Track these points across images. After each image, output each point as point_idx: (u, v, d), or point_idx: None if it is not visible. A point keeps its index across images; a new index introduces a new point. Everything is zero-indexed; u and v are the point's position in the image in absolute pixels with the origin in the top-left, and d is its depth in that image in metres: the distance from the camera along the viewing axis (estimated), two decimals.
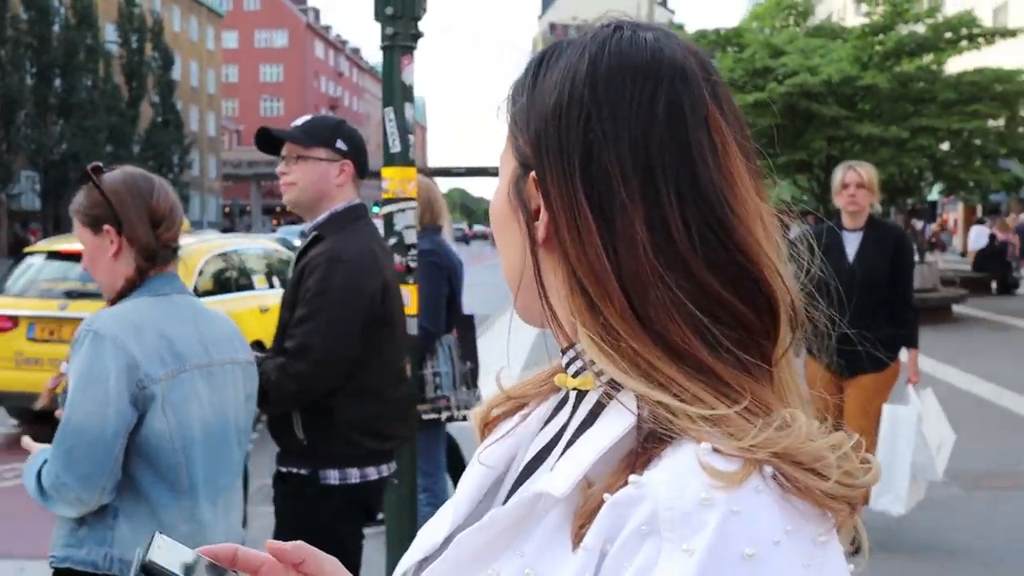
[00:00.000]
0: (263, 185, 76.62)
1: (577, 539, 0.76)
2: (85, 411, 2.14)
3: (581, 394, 0.88)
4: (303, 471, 3.06)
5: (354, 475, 3.09)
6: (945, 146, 19.79)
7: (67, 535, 2.24)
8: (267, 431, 3.18)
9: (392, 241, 3.99)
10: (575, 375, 0.88)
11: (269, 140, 3.22)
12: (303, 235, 3.30)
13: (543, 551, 0.78)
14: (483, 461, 0.95)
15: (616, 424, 0.80)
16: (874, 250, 5.05)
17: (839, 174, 5.23)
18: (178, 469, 2.23)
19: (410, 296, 4.02)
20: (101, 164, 2.38)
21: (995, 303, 19.56)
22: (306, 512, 3.09)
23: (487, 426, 1.00)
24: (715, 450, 0.74)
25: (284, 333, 3.10)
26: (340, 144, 3.17)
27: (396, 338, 3.31)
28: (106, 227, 2.30)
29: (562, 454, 0.84)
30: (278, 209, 75.95)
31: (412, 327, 4.04)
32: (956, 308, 17.12)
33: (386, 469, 3.22)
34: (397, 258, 3.96)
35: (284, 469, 3.10)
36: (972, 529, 5.61)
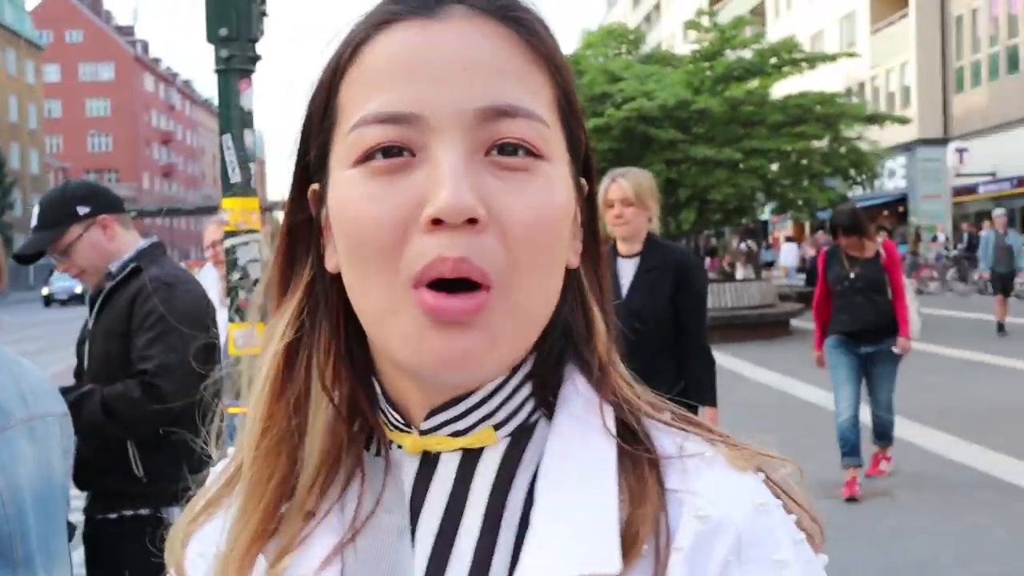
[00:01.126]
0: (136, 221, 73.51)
1: None
2: None
3: (459, 454, 0.74)
4: (143, 511, 2.96)
5: None
6: (775, 167, 20.70)
7: None
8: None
9: (236, 276, 3.77)
10: (457, 434, 0.73)
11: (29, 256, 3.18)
12: (105, 277, 3.16)
13: None
14: None
15: (596, 462, 0.71)
16: (650, 279, 4.14)
17: (602, 187, 4.15)
18: (12, 538, 2.00)
19: (256, 335, 3.80)
20: None
21: None
22: (143, 556, 2.88)
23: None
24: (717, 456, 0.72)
25: (105, 366, 3.03)
26: (81, 209, 3.11)
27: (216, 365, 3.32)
28: None
29: (521, 524, 0.71)
30: None
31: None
32: (793, 322, 17.81)
33: None
34: (242, 295, 3.75)
35: (116, 515, 2.96)
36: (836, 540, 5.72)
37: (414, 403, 0.74)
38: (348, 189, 0.69)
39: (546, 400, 0.75)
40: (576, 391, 0.75)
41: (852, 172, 21.52)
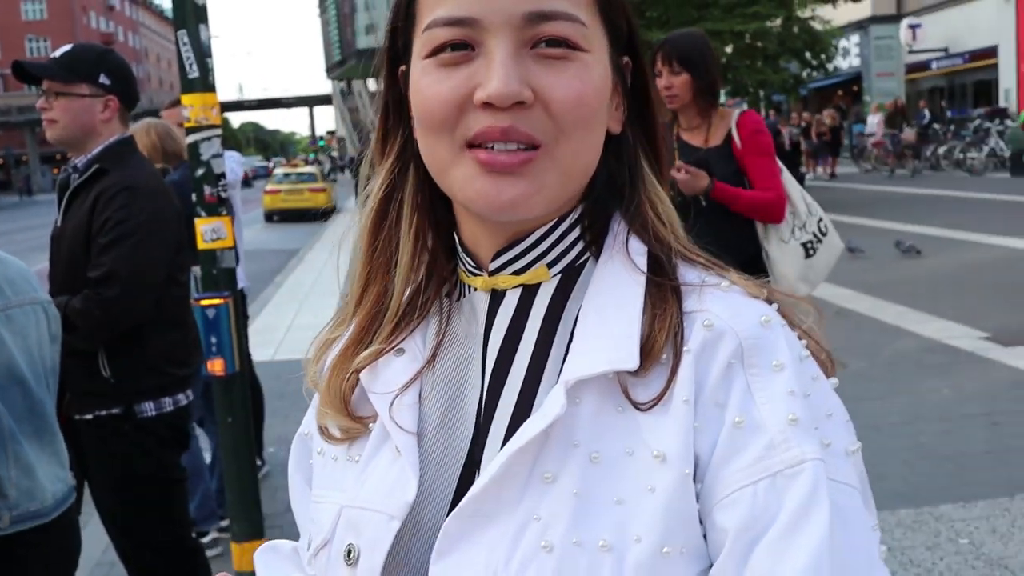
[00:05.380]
0: (38, 132, 71.70)
1: (656, 399, 0.80)
2: None
3: (523, 289, 0.91)
4: (116, 410, 3.03)
5: (167, 403, 3.12)
6: (729, 49, 20.58)
7: None
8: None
9: (200, 172, 3.80)
10: (518, 273, 0.91)
11: (29, 71, 3.09)
12: (73, 169, 3.13)
13: (600, 433, 0.81)
14: (403, 404, 0.91)
15: (628, 289, 0.86)
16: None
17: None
18: None
19: (224, 227, 3.86)
20: None
21: None
22: (128, 451, 3.05)
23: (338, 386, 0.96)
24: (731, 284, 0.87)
25: (70, 268, 3.02)
26: (104, 79, 3.10)
27: (188, 266, 3.42)
28: None
29: (570, 341, 0.86)
30: (58, 157, 71.46)
31: (229, 260, 3.89)
32: None
33: (191, 394, 3.27)
34: (207, 189, 3.79)
35: (91, 415, 3.03)
36: None
37: (483, 247, 0.92)
38: (421, 74, 0.86)
39: (594, 244, 0.91)
40: (617, 236, 0.90)
41: (807, 54, 21.46)
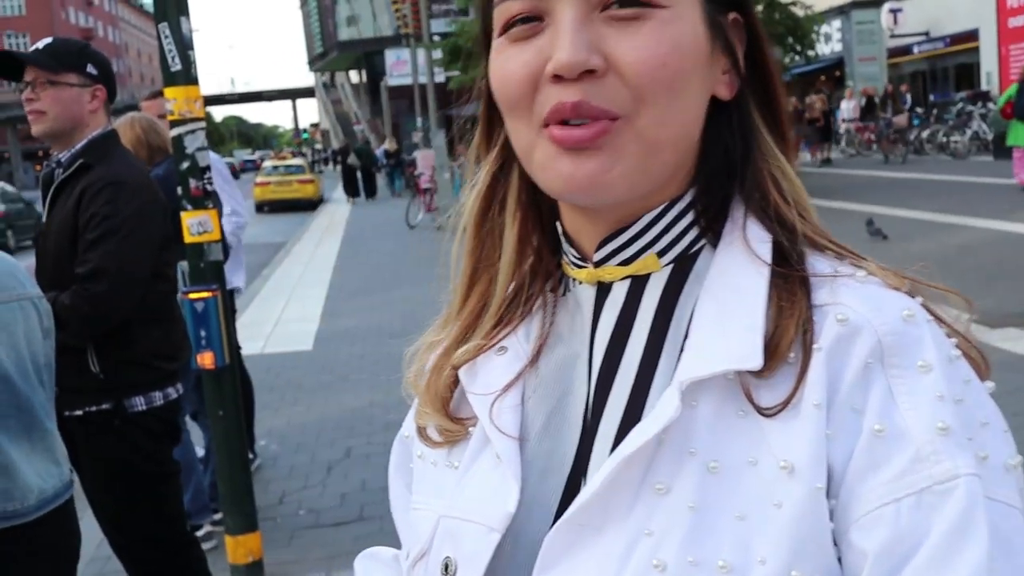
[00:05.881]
0: (20, 129, 71.27)
1: (783, 404, 0.72)
2: None
3: (633, 280, 0.83)
4: (105, 406, 3.03)
5: (157, 397, 3.13)
6: None
7: None
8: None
9: (185, 165, 3.79)
10: (625, 263, 0.83)
11: (9, 65, 3.06)
12: (56, 164, 3.11)
13: (719, 439, 0.73)
14: (504, 407, 0.85)
15: (750, 279, 0.77)
16: None
17: None
18: None
19: (211, 220, 3.85)
20: None
21: None
22: (119, 446, 3.05)
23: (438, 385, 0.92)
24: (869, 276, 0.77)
25: (58, 264, 3.02)
26: (91, 68, 3.10)
27: (175, 261, 3.42)
28: None
29: (685, 338, 0.78)
30: (41, 153, 71.01)
31: (216, 253, 3.89)
32: None
33: (180, 388, 3.27)
34: (192, 182, 3.78)
35: (81, 411, 3.03)
36: None
37: (586, 237, 0.85)
38: (496, 54, 0.81)
39: (711, 230, 0.82)
40: (736, 220, 0.81)
41: (790, 40, 21.47)
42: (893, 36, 32.86)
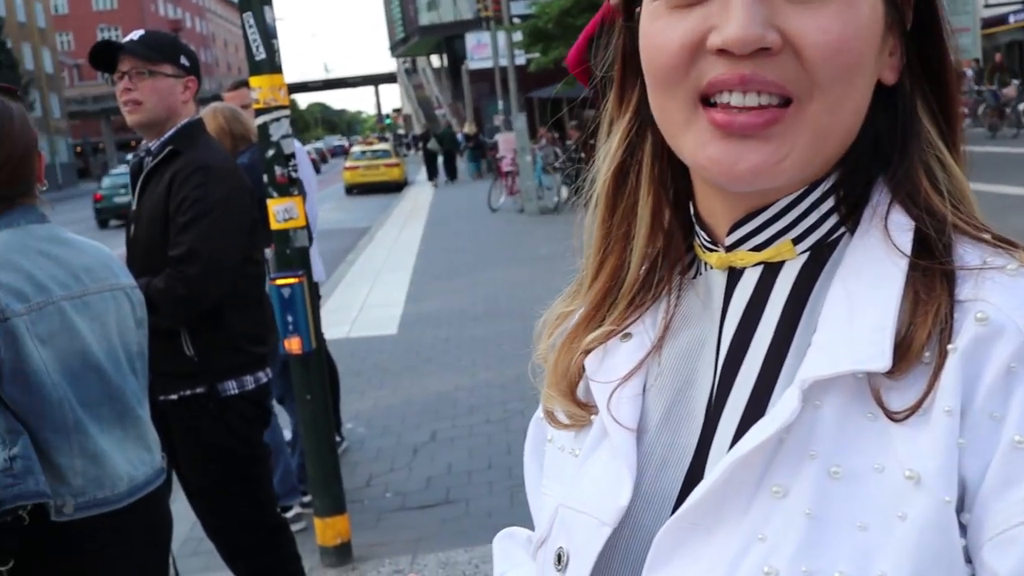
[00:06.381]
0: (113, 120, 73.41)
1: (913, 408, 0.66)
2: None
3: (765, 267, 0.78)
4: (200, 389, 3.09)
5: (249, 381, 3.18)
6: None
7: None
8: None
9: (270, 152, 3.84)
10: (758, 248, 0.78)
11: (104, 56, 3.12)
12: (146, 152, 3.18)
13: (844, 443, 0.68)
14: (621, 400, 0.82)
15: (885, 271, 0.71)
16: None
17: None
18: (61, 405, 2.12)
19: (296, 207, 3.90)
20: None
21: None
22: (213, 429, 3.10)
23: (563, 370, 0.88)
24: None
25: (149, 250, 3.08)
26: (184, 60, 3.15)
27: (263, 246, 3.47)
28: None
29: (814, 332, 0.72)
30: (133, 144, 73.04)
31: (302, 239, 3.94)
32: None
33: (269, 372, 3.31)
34: (278, 170, 3.83)
35: (176, 395, 3.09)
36: None
37: (719, 219, 0.79)
38: (650, 19, 0.74)
39: (851, 217, 0.76)
40: (877, 207, 0.75)
41: None
42: (987, 6, 31.75)
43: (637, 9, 0.78)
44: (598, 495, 0.79)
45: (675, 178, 0.84)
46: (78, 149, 74.74)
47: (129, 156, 3.72)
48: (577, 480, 0.82)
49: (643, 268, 0.85)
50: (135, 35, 3.15)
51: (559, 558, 0.81)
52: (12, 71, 53.00)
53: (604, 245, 0.87)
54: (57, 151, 65.66)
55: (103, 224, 26.25)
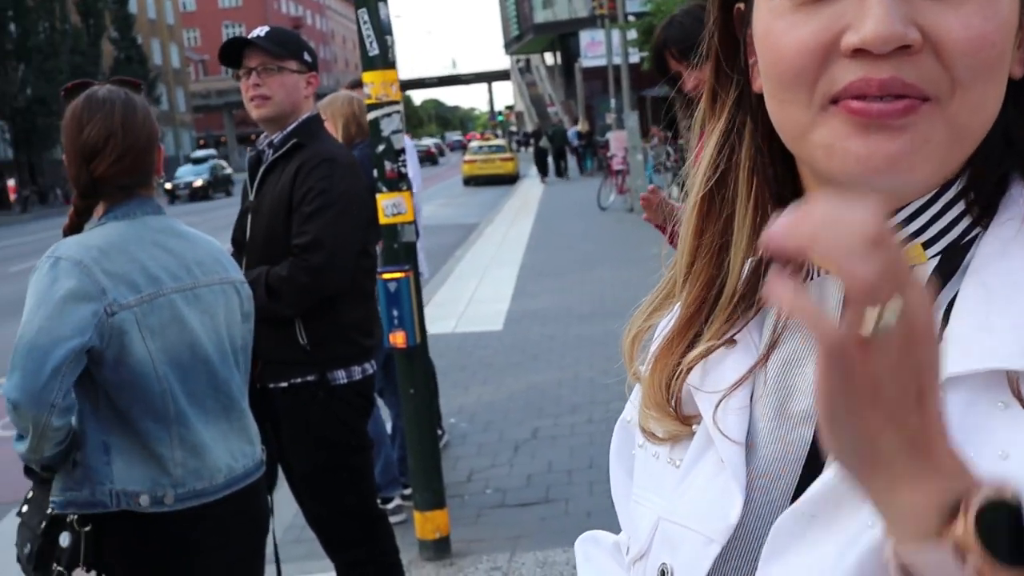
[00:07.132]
0: (235, 114, 75.63)
1: None
2: (36, 328, 2.06)
3: None
4: (311, 377, 3.14)
5: (357, 372, 3.22)
6: None
7: (64, 479, 2.16)
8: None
9: (380, 148, 3.88)
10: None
11: (231, 52, 3.19)
12: (268, 146, 3.24)
13: (967, 433, 0.63)
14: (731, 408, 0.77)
15: (1020, 282, 0.66)
16: None
17: None
18: (163, 396, 2.17)
19: (404, 202, 3.93)
20: (89, 81, 2.28)
21: None
22: (322, 417, 3.15)
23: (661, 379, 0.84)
24: None
25: (269, 241, 3.13)
26: (307, 56, 3.22)
27: (376, 239, 3.56)
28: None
29: (941, 329, 0.67)
30: (253, 137, 75.12)
31: (409, 234, 3.96)
32: None
33: (374, 364, 3.36)
34: (387, 165, 3.87)
35: (287, 383, 3.13)
36: None
37: None
38: (772, 17, 0.70)
39: (985, 217, 0.72)
40: (1017, 202, 0.71)
41: None
42: None
43: (738, 6, 0.75)
44: (705, 511, 0.76)
45: (778, 181, 0.79)
46: (201, 142, 77.20)
47: (248, 150, 3.79)
48: (680, 493, 0.79)
49: (745, 274, 0.81)
50: (261, 31, 3.21)
51: (663, 574, 0.78)
52: (142, 66, 55.17)
53: (695, 248, 0.83)
54: (181, 144, 68.08)
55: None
